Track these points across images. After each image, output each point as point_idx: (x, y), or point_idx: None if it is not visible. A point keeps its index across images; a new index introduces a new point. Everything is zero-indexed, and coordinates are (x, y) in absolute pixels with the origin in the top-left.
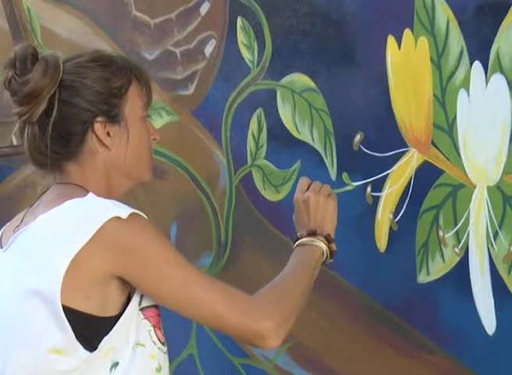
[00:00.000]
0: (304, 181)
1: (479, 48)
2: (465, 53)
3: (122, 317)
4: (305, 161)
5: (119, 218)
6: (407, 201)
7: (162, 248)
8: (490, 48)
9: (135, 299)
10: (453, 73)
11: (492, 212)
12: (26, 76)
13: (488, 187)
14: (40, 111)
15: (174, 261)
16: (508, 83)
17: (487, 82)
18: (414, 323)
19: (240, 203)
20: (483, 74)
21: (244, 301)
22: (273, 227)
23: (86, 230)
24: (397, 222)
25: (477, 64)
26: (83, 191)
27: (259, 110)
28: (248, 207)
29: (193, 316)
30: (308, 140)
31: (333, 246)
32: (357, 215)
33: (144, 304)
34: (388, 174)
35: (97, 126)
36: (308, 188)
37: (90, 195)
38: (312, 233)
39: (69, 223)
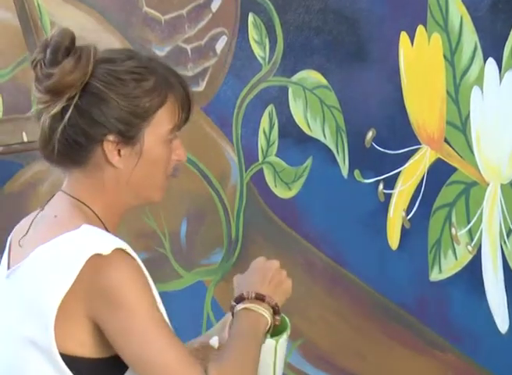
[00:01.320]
0: (261, 258)
1: (493, 45)
2: (479, 50)
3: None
4: (317, 158)
5: (100, 255)
6: (419, 198)
7: (137, 296)
8: (504, 44)
9: None
10: (466, 70)
11: (505, 210)
12: (52, 69)
13: (502, 185)
14: (58, 108)
15: (145, 315)
16: None
17: (501, 79)
18: (426, 321)
19: (250, 200)
20: (497, 71)
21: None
22: (284, 224)
23: (68, 273)
24: (409, 219)
25: (491, 61)
26: (80, 215)
27: (270, 107)
28: (259, 204)
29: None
30: (320, 137)
31: (277, 319)
32: (369, 212)
33: None
34: (400, 171)
35: (107, 144)
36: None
37: (81, 229)
38: (260, 299)
39: (56, 266)
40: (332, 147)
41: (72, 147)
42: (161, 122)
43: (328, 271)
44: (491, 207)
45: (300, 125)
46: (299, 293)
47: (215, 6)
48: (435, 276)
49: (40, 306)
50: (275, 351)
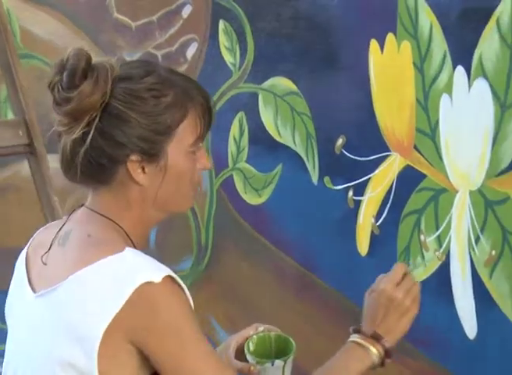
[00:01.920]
0: (399, 270)
1: (462, 53)
2: (448, 58)
3: None
4: (287, 164)
5: (151, 283)
6: (388, 205)
7: (186, 326)
8: (473, 52)
9: None
10: (435, 78)
11: (473, 217)
12: (70, 93)
13: (471, 192)
14: (79, 132)
15: (195, 345)
16: (491, 87)
17: (470, 86)
18: None
19: (220, 207)
20: (466, 79)
21: None
22: (254, 231)
23: (117, 298)
24: (379, 226)
25: (460, 69)
26: (117, 236)
27: (241, 113)
28: (229, 210)
29: None
30: (290, 143)
31: (388, 361)
32: (338, 219)
33: None
34: (370, 178)
35: (131, 164)
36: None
37: (126, 254)
38: (375, 339)
39: (102, 291)
40: (302, 154)
41: (96, 168)
42: (184, 135)
43: (297, 277)
44: (459, 214)
45: (270, 132)
46: (268, 299)
47: (185, 13)
48: None
49: (82, 331)
50: (282, 371)
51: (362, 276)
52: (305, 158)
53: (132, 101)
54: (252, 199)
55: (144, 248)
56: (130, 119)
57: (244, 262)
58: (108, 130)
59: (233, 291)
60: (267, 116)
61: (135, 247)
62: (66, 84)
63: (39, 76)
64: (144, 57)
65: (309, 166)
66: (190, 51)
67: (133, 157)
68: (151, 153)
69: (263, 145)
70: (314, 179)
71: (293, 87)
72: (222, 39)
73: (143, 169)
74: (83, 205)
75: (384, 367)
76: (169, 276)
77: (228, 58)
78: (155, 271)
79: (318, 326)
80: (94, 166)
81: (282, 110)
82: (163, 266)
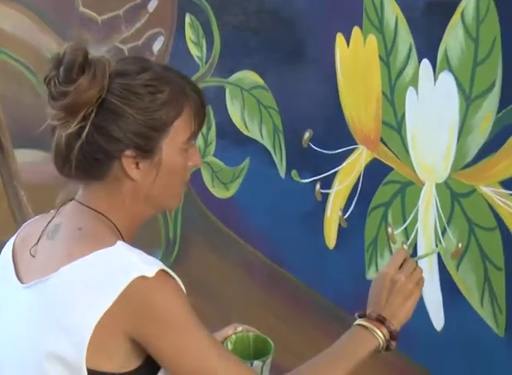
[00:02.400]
0: (400, 254)
1: (427, 46)
2: (414, 51)
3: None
4: (254, 158)
5: (145, 277)
6: (356, 198)
7: (185, 316)
8: (438, 46)
9: None
10: (401, 71)
11: (440, 209)
12: (67, 87)
13: (437, 185)
14: (74, 126)
15: (196, 332)
16: (456, 80)
17: (435, 80)
18: None
19: (188, 200)
20: (431, 72)
21: None
22: (222, 224)
23: (110, 292)
24: (346, 219)
25: (425, 62)
26: (105, 228)
27: (208, 107)
28: (197, 204)
29: None
30: (257, 137)
31: (393, 345)
32: (306, 212)
33: None
34: (337, 171)
35: (126, 159)
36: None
37: (117, 247)
38: (380, 321)
39: (94, 284)
40: (270, 147)
41: (90, 163)
42: (179, 132)
43: (265, 270)
44: (426, 206)
45: (237, 125)
46: (237, 292)
47: (151, 7)
48: (371, 274)
49: (73, 323)
50: (261, 371)
51: (330, 269)
52: (272, 152)
53: (128, 97)
54: (220, 193)
55: (131, 243)
56: (126, 114)
57: (212, 255)
58: (103, 124)
59: (202, 284)
60: (234, 110)
61: (124, 241)
62: (63, 79)
63: (5, 70)
64: (110, 51)
65: (276, 159)
66: (157, 45)
67: (128, 152)
68: (146, 149)
69: (230, 139)
70: (282, 172)
71: (260, 80)
72: (189, 33)
73: (137, 164)
74: (72, 199)
75: (391, 351)
76: (162, 270)
77: (194, 52)
78: (148, 265)
79: (286, 319)
80: (89, 161)
81: (249, 104)
82: (155, 260)
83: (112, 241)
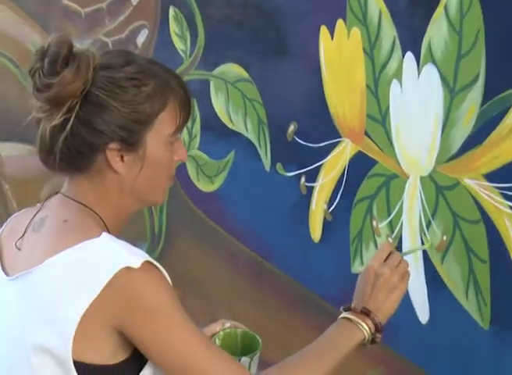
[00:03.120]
0: (385, 248)
1: (411, 39)
2: (397, 44)
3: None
4: (239, 151)
5: (130, 268)
6: (340, 191)
7: (171, 307)
8: (422, 39)
9: None
10: (385, 64)
11: (425, 202)
12: (52, 79)
13: (421, 177)
14: (59, 118)
15: (182, 324)
16: (440, 73)
17: (419, 73)
18: None
19: (173, 194)
20: (415, 65)
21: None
22: (207, 218)
23: (95, 283)
24: (331, 212)
25: (409, 55)
26: (93, 222)
27: (192, 100)
28: (182, 198)
29: None
30: (242, 130)
31: (379, 337)
32: (291, 205)
33: None
34: (322, 164)
35: (110, 152)
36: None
37: (103, 238)
38: (365, 314)
39: (79, 276)
40: (255, 140)
41: (74, 156)
42: (163, 125)
43: (251, 264)
44: (411, 199)
45: (222, 118)
46: (223, 286)
47: (135, 0)
48: (357, 268)
49: (58, 314)
50: (249, 367)
51: (315, 262)
52: (257, 145)
53: (113, 90)
54: (205, 186)
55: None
56: (111, 107)
57: (198, 249)
58: (88, 117)
59: (187, 278)
60: (218, 103)
61: (110, 234)
62: (48, 71)
63: None
64: (94, 44)
65: (261, 152)
66: (141, 38)
67: (112, 145)
68: (130, 142)
69: (215, 132)
70: (267, 166)
71: (244, 73)
72: (173, 26)
73: (121, 157)
74: (57, 192)
75: (376, 344)
76: (148, 261)
77: (178, 45)
78: (133, 256)
79: (272, 313)
80: (73, 154)
81: (233, 97)
82: (140, 251)
83: (97, 232)
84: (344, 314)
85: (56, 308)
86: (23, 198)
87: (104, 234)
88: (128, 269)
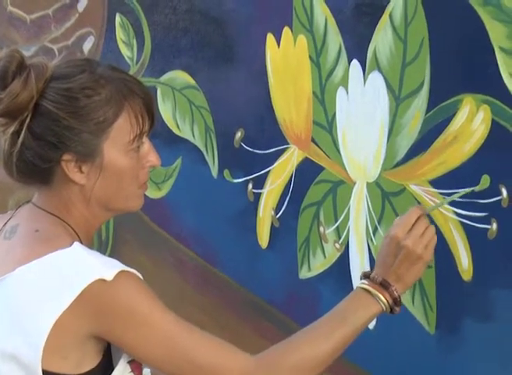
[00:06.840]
0: (413, 214)
1: (357, 47)
2: (343, 51)
3: (115, 372)
4: (186, 158)
5: (104, 280)
6: (288, 197)
7: (149, 308)
8: (367, 46)
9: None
10: (331, 71)
11: (371, 208)
12: (1, 94)
13: (368, 184)
14: (11, 131)
15: (162, 320)
16: (385, 80)
17: (365, 80)
18: (296, 318)
19: None
20: (361, 72)
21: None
22: (155, 224)
23: (67, 293)
24: (279, 218)
25: (355, 62)
26: (64, 231)
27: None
28: None
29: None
30: (189, 137)
31: (397, 310)
32: (238, 212)
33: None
34: (269, 171)
35: (66, 164)
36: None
37: (75, 248)
38: (384, 287)
39: (51, 285)
40: (202, 147)
41: (31, 168)
42: (121, 133)
43: (198, 270)
44: (357, 205)
45: (169, 125)
46: (170, 292)
47: (81, 6)
48: (304, 273)
49: (29, 324)
50: None
51: (263, 268)
52: (204, 152)
53: (61, 101)
54: (152, 193)
55: (90, 247)
56: (60, 118)
57: (145, 255)
58: (38, 130)
59: None
60: (166, 110)
61: (82, 243)
62: None
63: None
64: (39, 51)
65: (209, 159)
66: (87, 45)
67: (67, 157)
68: (85, 152)
69: (162, 139)
70: (214, 172)
71: (191, 80)
72: (119, 33)
73: (80, 168)
74: (29, 201)
75: (394, 314)
76: (123, 271)
77: (125, 52)
78: (106, 268)
79: (219, 319)
80: (30, 166)
81: (180, 104)
82: (113, 261)
83: (68, 242)
84: (363, 285)
85: (26, 317)
86: None
87: (76, 244)
88: (101, 281)
